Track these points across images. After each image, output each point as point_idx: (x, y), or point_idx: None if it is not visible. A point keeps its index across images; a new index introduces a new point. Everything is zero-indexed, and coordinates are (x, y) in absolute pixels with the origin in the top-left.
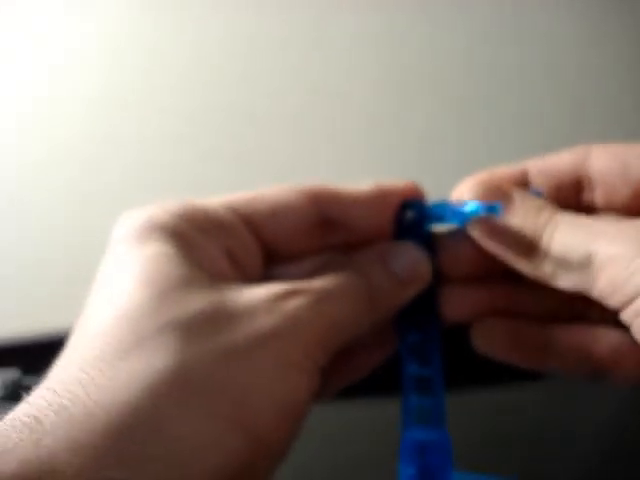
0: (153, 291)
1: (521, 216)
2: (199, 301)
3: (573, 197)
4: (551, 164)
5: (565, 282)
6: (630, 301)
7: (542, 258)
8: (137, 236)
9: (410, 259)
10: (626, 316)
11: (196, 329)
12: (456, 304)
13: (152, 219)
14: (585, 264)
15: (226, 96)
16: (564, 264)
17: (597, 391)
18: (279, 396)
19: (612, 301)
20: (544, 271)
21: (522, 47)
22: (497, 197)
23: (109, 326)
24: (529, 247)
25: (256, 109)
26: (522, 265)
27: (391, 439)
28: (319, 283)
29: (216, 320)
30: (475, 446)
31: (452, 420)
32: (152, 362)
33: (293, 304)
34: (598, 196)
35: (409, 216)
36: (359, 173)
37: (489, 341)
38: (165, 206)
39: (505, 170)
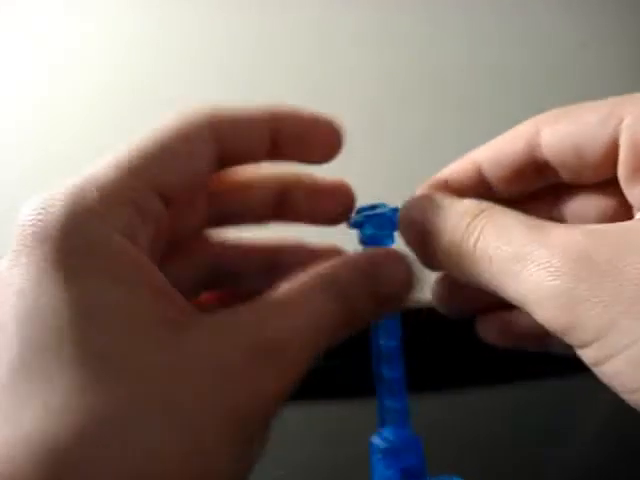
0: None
1: (447, 222)
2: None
3: (537, 178)
4: (502, 154)
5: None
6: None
7: (467, 263)
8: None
9: (397, 277)
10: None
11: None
12: (455, 302)
13: (76, 232)
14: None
15: (228, 95)
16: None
17: (596, 392)
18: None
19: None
20: (470, 275)
21: (523, 48)
22: (427, 206)
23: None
24: (455, 253)
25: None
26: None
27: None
28: (296, 324)
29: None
30: (475, 446)
31: (452, 420)
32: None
33: (264, 366)
34: (563, 176)
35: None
36: (359, 173)
37: (492, 334)
38: (75, 202)
39: (458, 170)
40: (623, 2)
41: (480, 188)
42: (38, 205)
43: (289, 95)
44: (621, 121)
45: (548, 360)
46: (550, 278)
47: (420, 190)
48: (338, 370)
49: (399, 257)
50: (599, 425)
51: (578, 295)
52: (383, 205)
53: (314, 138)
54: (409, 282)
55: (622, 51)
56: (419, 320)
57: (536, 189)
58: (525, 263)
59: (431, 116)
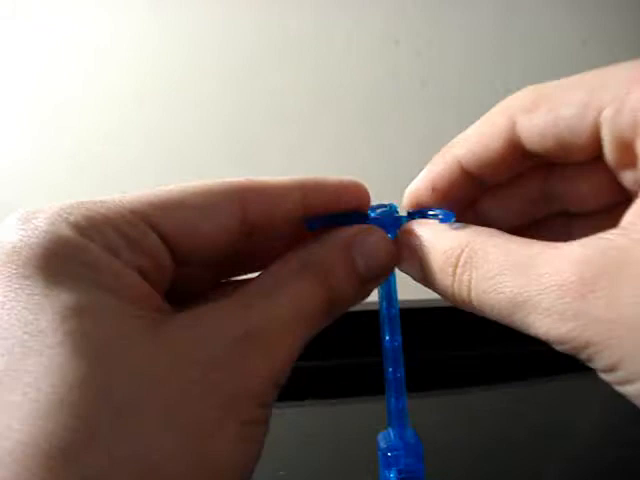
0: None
1: (434, 264)
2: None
3: (522, 162)
4: (482, 152)
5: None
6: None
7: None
8: (41, 267)
9: (375, 253)
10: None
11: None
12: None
13: (57, 239)
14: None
15: (232, 94)
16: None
17: (595, 392)
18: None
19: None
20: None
21: (524, 45)
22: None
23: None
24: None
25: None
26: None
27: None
28: (279, 313)
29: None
30: (475, 446)
31: (452, 420)
32: None
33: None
34: (548, 159)
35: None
36: (360, 172)
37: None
38: (60, 216)
39: (441, 174)
40: (623, 0)
41: (466, 184)
42: (23, 215)
43: (292, 94)
44: (599, 112)
45: (548, 360)
46: (558, 325)
47: (407, 199)
48: (339, 370)
49: (377, 232)
50: (599, 425)
51: (593, 327)
52: (390, 206)
53: (343, 202)
54: (388, 257)
55: (623, 49)
56: (419, 320)
57: (524, 169)
58: (528, 309)
59: (431, 116)
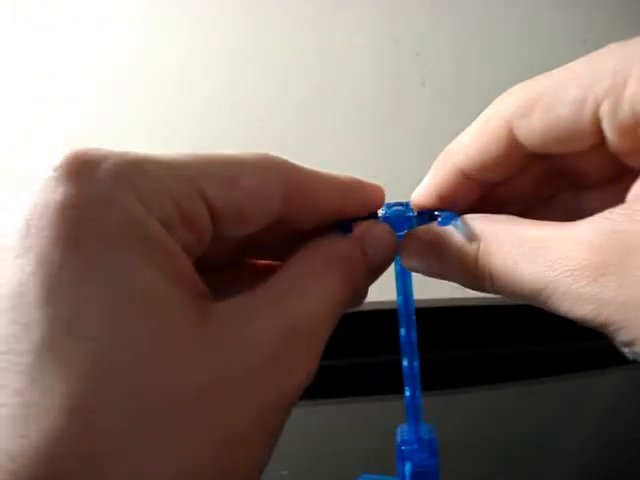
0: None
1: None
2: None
3: (525, 159)
4: (483, 159)
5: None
6: None
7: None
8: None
9: (386, 247)
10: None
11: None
12: None
13: (118, 204)
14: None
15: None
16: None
17: (595, 392)
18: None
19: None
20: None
21: (524, 45)
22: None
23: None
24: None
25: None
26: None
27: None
28: (309, 313)
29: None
30: (475, 446)
31: (453, 420)
32: None
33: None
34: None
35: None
36: (359, 172)
37: None
38: (121, 175)
39: (444, 183)
40: (624, 3)
41: (471, 187)
42: (80, 164)
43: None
44: (597, 107)
45: (548, 360)
46: (577, 307)
47: (413, 207)
48: (343, 370)
49: (382, 225)
50: (598, 425)
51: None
52: (407, 204)
53: (371, 207)
54: (392, 249)
55: None
56: (419, 320)
57: (527, 162)
58: (548, 294)
59: (431, 116)
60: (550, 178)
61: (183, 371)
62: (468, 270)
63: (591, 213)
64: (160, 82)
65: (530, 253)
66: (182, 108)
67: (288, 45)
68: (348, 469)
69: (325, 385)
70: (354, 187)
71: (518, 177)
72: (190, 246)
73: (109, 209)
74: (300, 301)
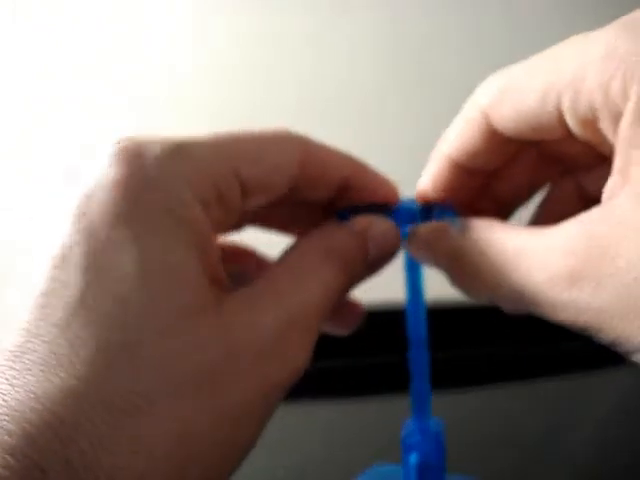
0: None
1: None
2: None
3: (513, 144)
4: (469, 150)
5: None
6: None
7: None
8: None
9: (387, 240)
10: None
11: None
12: None
13: (164, 185)
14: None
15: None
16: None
17: (596, 392)
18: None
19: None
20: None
21: (523, 45)
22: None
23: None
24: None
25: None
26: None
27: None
28: (310, 311)
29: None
30: (475, 446)
31: (453, 420)
32: None
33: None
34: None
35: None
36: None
37: None
38: (169, 158)
39: (439, 177)
40: (624, 3)
41: (467, 177)
42: (132, 148)
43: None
44: (559, 98)
45: (548, 360)
46: (556, 314)
47: (417, 201)
48: (339, 370)
49: (386, 222)
50: (599, 425)
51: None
52: (409, 200)
53: (376, 196)
54: (394, 247)
55: None
56: None
57: (517, 149)
58: (528, 303)
59: (431, 116)
60: (544, 165)
61: (200, 346)
62: (461, 274)
63: (596, 196)
64: (160, 82)
65: (507, 263)
66: (183, 108)
67: (288, 45)
68: (348, 469)
69: (325, 385)
70: (364, 166)
71: (512, 166)
72: (221, 222)
73: (154, 192)
74: (298, 296)
